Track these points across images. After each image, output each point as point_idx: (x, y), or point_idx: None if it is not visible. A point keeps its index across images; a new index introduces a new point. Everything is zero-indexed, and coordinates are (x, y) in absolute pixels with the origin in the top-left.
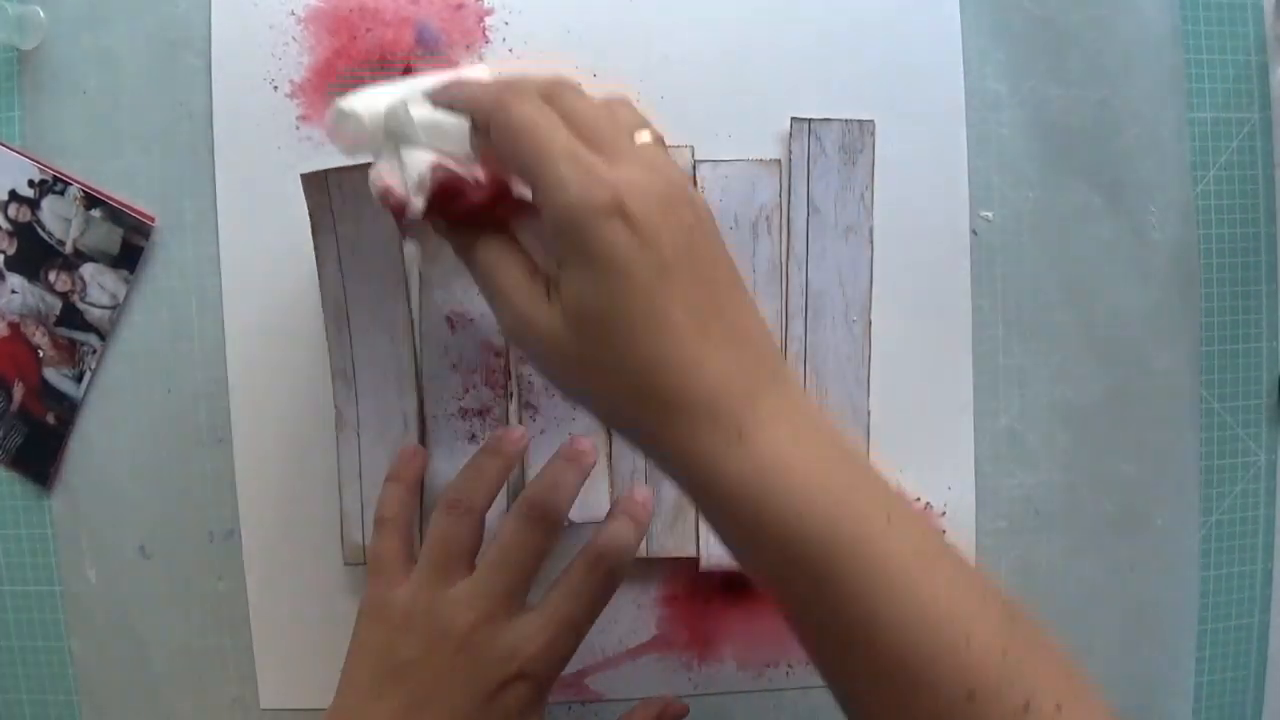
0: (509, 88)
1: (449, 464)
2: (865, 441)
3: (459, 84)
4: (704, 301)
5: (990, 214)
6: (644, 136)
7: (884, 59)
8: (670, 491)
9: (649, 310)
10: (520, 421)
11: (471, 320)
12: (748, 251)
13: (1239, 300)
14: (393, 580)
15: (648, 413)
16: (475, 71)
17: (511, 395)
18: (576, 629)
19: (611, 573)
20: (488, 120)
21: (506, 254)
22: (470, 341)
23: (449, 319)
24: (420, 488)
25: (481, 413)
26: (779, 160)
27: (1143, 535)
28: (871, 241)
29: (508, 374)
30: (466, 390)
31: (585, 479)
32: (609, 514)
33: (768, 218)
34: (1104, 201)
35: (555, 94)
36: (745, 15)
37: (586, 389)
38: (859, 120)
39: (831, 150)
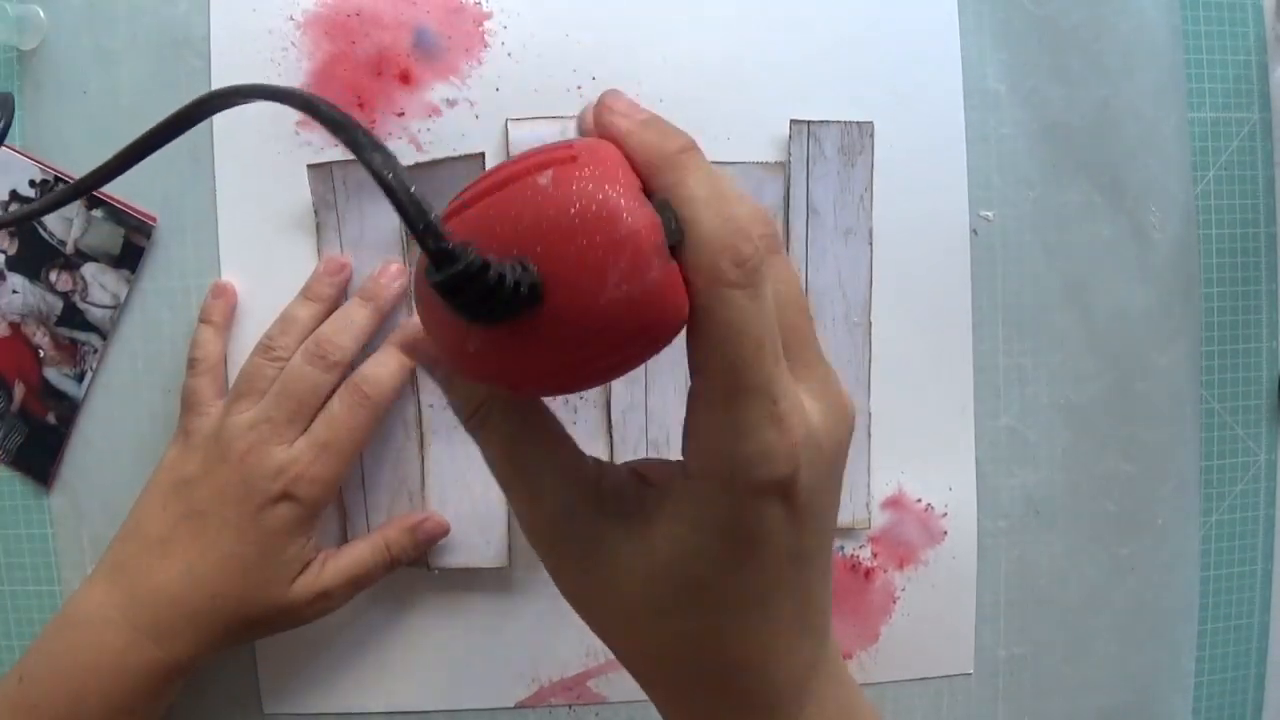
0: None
1: (447, 452)
2: (867, 443)
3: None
4: (808, 587)
5: (990, 214)
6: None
7: (883, 60)
8: None
9: (764, 600)
10: None
11: None
12: None
13: (1239, 300)
14: (200, 412)
15: (704, 697)
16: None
17: None
18: (338, 454)
19: (368, 398)
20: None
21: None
22: None
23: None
24: (229, 326)
25: None
26: (783, 163)
27: (1143, 535)
28: (871, 243)
29: None
30: None
31: (379, 319)
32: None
33: (774, 219)
34: (1104, 201)
35: (766, 249)
36: (743, 17)
37: (642, 652)
38: (858, 122)
39: (831, 152)
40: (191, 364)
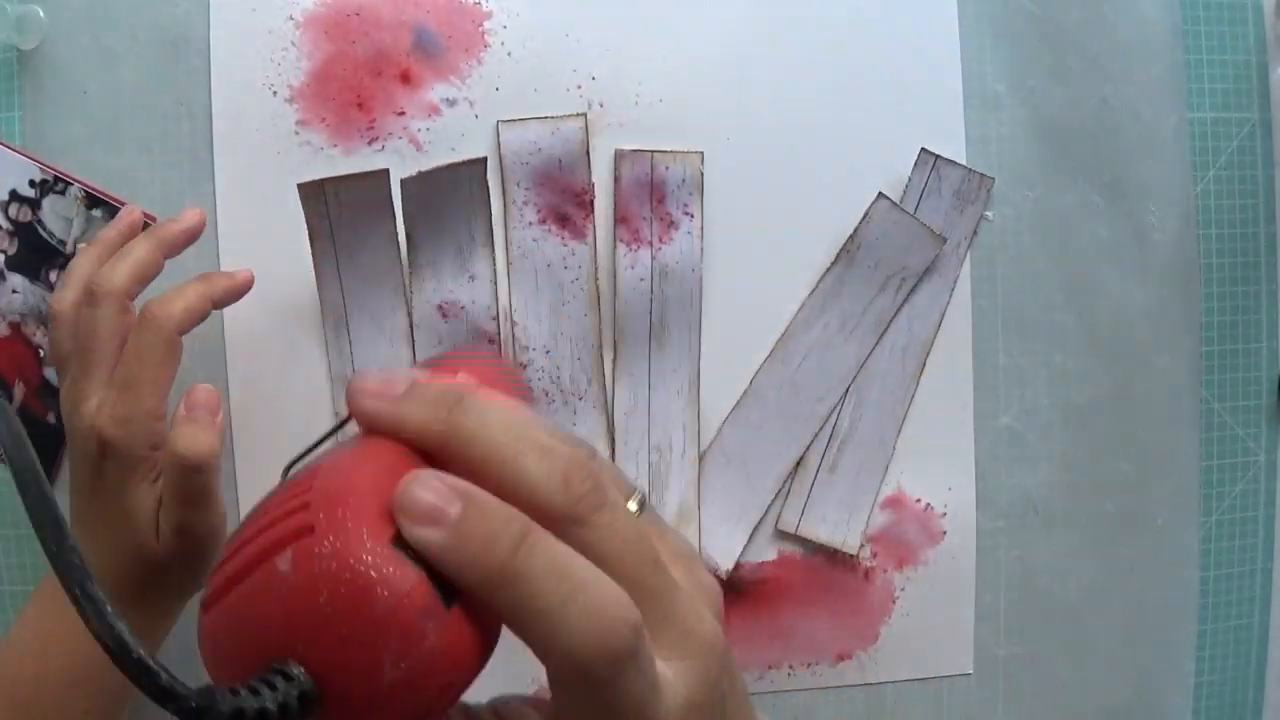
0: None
1: None
2: (881, 476)
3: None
4: None
5: (990, 214)
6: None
7: (882, 59)
8: (671, 498)
9: None
10: None
11: (463, 308)
12: (868, 296)
13: (1239, 300)
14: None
15: None
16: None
17: None
18: (136, 389)
19: (155, 321)
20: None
21: None
22: (463, 330)
23: (440, 308)
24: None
25: None
26: (943, 238)
27: (1143, 535)
28: (953, 290)
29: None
30: None
31: (161, 253)
32: None
33: (902, 279)
34: (1104, 201)
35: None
36: (742, 17)
37: None
38: (981, 173)
39: (947, 192)
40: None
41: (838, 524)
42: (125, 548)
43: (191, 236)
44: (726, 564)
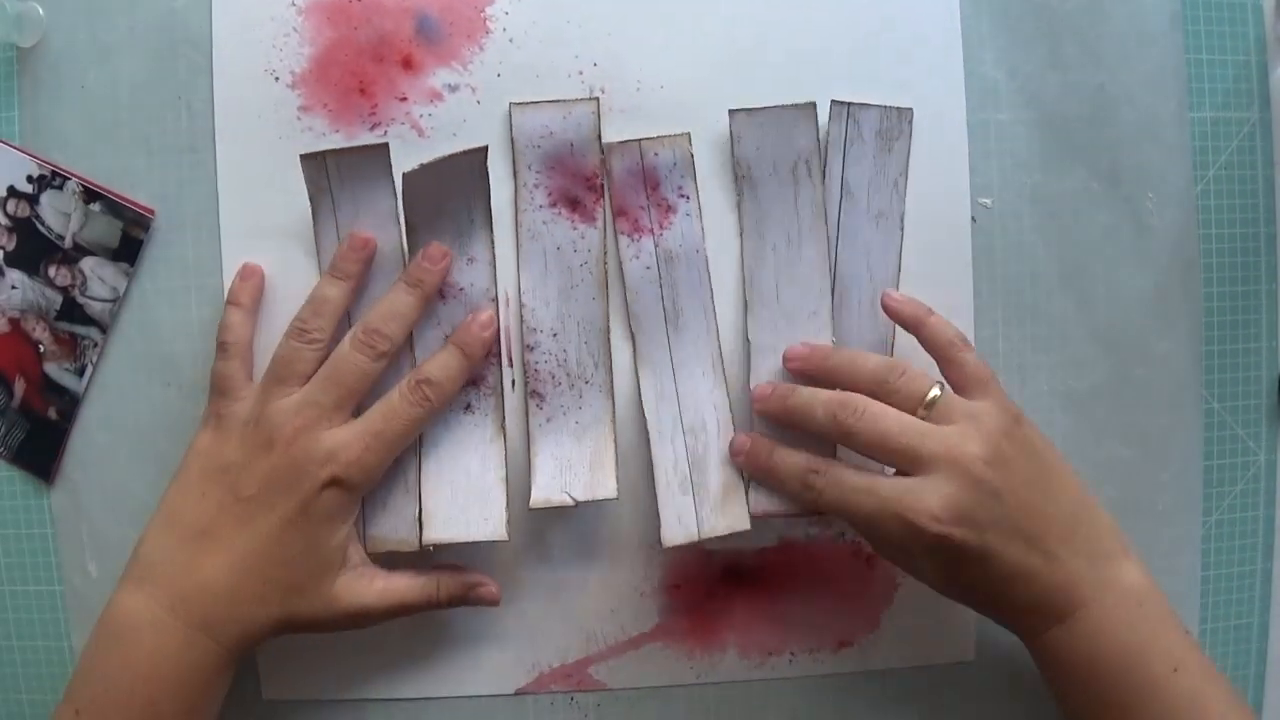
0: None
1: (444, 434)
2: None
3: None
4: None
5: (989, 201)
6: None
7: (883, 46)
8: (716, 475)
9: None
10: (526, 411)
11: (462, 290)
12: (789, 198)
13: (1239, 300)
14: (234, 396)
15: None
16: None
17: (509, 360)
18: (388, 443)
19: (428, 398)
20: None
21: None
22: (462, 311)
23: (439, 289)
24: (258, 308)
25: (475, 382)
26: (814, 103)
27: (1143, 521)
28: (902, 228)
29: (501, 342)
30: None
31: (425, 304)
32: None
33: (807, 161)
34: (1102, 187)
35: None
36: (743, 5)
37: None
38: (898, 107)
39: (869, 135)
40: (221, 347)
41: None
42: (303, 572)
43: (441, 282)
44: (774, 509)
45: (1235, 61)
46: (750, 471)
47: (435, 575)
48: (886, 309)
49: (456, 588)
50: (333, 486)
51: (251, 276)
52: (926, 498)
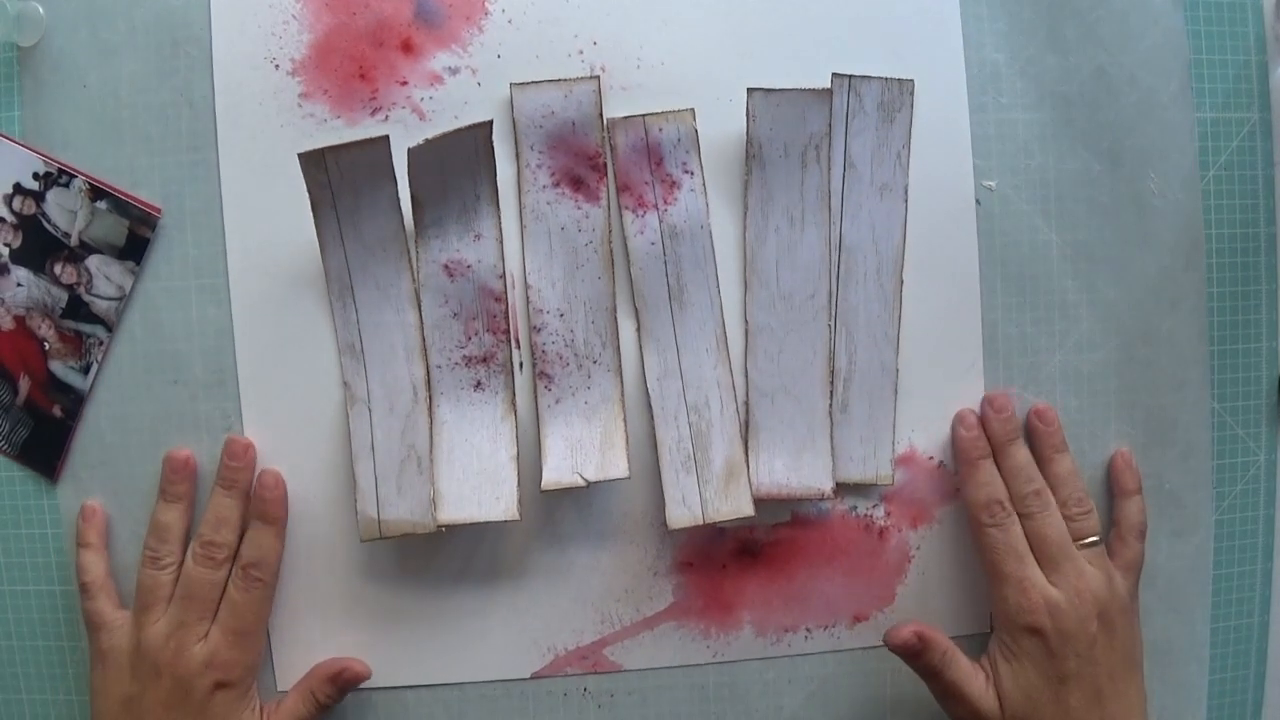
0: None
1: (454, 413)
2: (893, 400)
3: None
4: (1066, 700)
5: (993, 183)
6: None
7: (883, 30)
8: (717, 455)
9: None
10: (534, 391)
11: (469, 267)
12: (796, 180)
13: (1239, 301)
14: (109, 630)
15: None
16: None
17: (516, 342)
18: (250, 633)
19: (258, 579)
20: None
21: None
22: (469, 289)
23: (446, 267)
24: (106, 543)
25: (485, 359)
26: (830, 89)
27: (1152, 498)
28: (906, 200)
29: (509, 319)
30: (469, 338)
31: (245, 501)
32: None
33: (816, 147)
34: (1103, 168)
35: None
36: None
37: None
38: (899, 79)
39: (870, 107)
40: (83, 588)
41: (865, 460)
42: None
43: (252, 471)
44: (776, 490)
45: (1235, 61)
46: (955, 452)
47: (307, 685)
48: (1113, 463)
49: (330, 689)
50: (220, 689)
51: (93, 516)
52: (1052, 593)
